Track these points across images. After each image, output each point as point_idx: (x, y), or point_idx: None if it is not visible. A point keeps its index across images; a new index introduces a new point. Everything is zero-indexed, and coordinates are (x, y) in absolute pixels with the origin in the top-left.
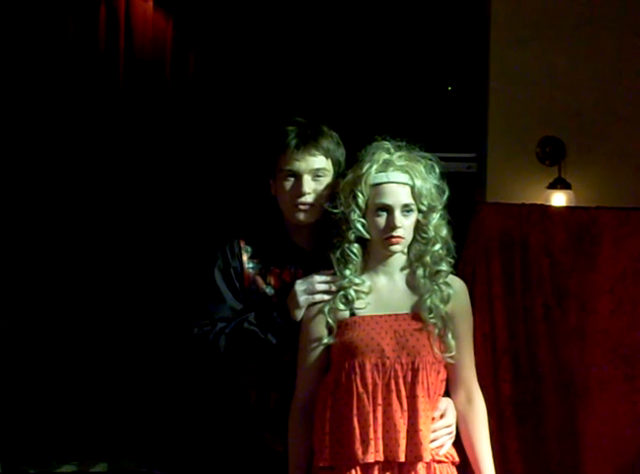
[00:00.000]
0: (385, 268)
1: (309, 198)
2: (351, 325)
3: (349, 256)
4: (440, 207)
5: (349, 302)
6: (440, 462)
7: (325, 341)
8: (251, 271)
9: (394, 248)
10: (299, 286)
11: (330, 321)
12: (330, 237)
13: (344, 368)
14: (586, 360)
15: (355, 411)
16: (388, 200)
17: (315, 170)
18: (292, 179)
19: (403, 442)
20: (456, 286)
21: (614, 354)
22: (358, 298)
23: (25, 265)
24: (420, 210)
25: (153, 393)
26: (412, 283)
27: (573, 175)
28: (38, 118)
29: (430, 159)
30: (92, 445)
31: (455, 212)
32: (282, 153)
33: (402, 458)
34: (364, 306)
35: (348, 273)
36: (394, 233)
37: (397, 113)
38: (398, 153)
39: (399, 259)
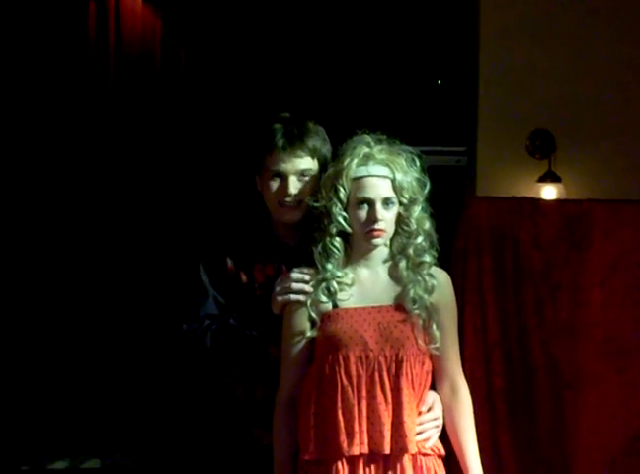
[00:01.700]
0: (368, 261)
1: (295, 198)
2: (333, 317)
3: (330, 249)
4: (421, 200)
5: (331, 294)
6: (425, 455)
7: (308, 334)
8: (235, 266)
9: (376, 241)
10: (277, 285)
11: (312, 314)
12: (313, 231)
13: (327, 361)
14: (577, 353)
15: (339, 404)
16: (369, 194)
17: (301, 170)
18: (278, 179)
19: (388, 434)
20: (440, 278)
21: (605, 346)
22: (340, 290)
23: (15, 262)
24: (401, 203)
25: (144, 389)
26: (395, 275)
27: (563, 168)
28: (27, 114)
29: (410, 152)
30: (84, 441)
31: (446, 206)
32: (269, 153)
33: (387, 451)
34: (347, 298)
35: (330, 266)
36: (375, 226)
37: (386, 106)
38: (379, 147)
39: (382, 252)
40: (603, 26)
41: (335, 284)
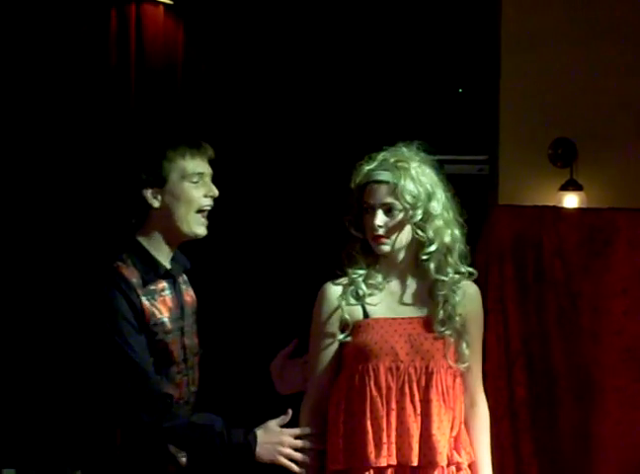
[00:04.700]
0: (395, 270)
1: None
2: (364, 327)
3: (351, 255)
4: (421, 208)
5: (360, 297)
6: (459, 469)
7: (340, 337)
8: (147, 303)
9: (381, 248)
10: (266, 439)
11: (346, 315)
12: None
13: (357, 371)
14: (599, 362)
15: (368, 414)
16: (370, 200)
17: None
18: (201, 181)
19: (416, 446)
20: (471, 291)
21: (628, 355)
22: (370, 294)
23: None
24: (406, 210)
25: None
26: (425, 287)
27: (585, 176)
28: (48, 123)
29: (432, 160)
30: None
31: (468, 215)
32: (184, 156)
33: (415, 463)
34: (376, 304)
35: (352, 270)
36: (376, 233)
37: (408, 115)
38: (396, 153)
39: (406, 261)
40: (626, 33)
41: (363, 287)
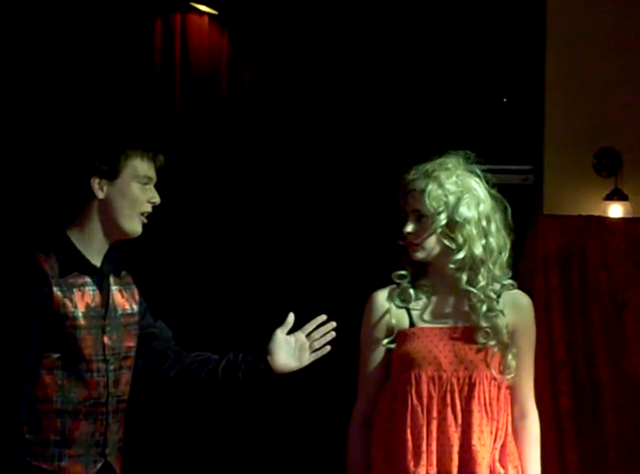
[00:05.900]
0: (440, 278)
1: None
2: (410, 336)
3: (399, 263)
4: (444, 214)
5: (406, 301)
6: None
7: (384, 341)
8: (59, 293)
9: (413, 254)
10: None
11: (393, 321)
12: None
13: (400, 380)
14: None
15: (408, 422)
16: (405, 207)
17: None
18: (148, 184)
19: (456, 457)
20: (520, 302)
21: None
22: (417, 298)
23: None
24: (431, 216)
25: None
26: (468, 297)
27: (630, 186)
28: (95, 133)
29: (480, 170)
30: None
31: (512, 224)
32: (139, 157)
33: (455, 473)
34: (422, 311)
35: (396, 274)
36: (406, 239)
37: (453, 125)
38: (436, 161)
39: (449, 270)
40: None
41: (410, 290)
